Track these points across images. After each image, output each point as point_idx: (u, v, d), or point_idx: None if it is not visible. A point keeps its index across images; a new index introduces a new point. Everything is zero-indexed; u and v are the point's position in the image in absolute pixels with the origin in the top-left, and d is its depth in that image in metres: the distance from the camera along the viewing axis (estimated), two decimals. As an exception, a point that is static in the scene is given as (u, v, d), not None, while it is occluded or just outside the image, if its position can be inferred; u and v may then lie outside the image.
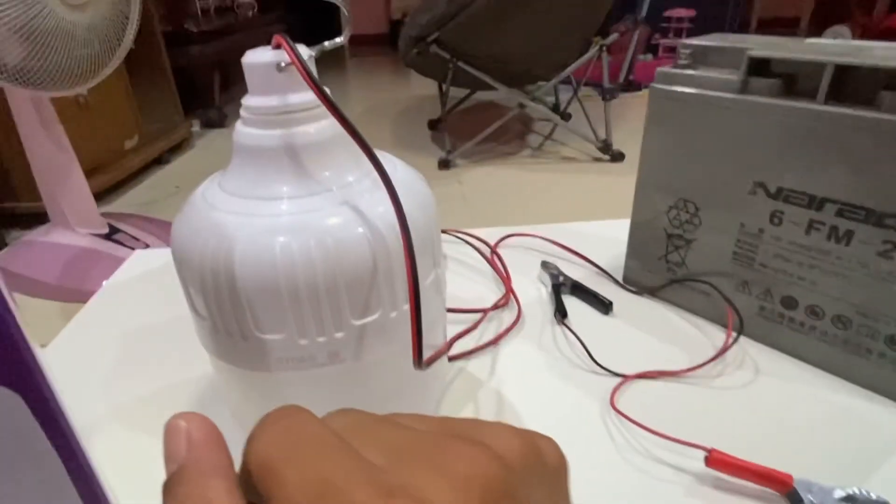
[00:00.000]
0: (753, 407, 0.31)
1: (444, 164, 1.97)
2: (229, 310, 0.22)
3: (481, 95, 2.51)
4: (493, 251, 0.48)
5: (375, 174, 0.24)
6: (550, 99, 2.41)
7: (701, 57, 0.35)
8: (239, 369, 0.24)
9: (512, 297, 0.42)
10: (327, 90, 0.23)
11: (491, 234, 0.51)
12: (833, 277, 0.31)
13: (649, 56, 3.31)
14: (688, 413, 0.31)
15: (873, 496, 0.24)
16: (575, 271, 0.45)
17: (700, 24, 3.26)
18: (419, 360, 0.22)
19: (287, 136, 0.22)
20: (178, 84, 2.45)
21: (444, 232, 0.51)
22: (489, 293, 0.43)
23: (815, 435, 0.29)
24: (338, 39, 0.23)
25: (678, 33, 3.27)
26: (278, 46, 0.21)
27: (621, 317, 0.39)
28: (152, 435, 0.31)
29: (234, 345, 0.23)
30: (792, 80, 0.31)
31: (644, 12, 1.85)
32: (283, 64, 0.21)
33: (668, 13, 3.20)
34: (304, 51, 0.22)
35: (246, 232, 0.21)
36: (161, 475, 0.11)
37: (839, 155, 0.29)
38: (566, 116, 2.30)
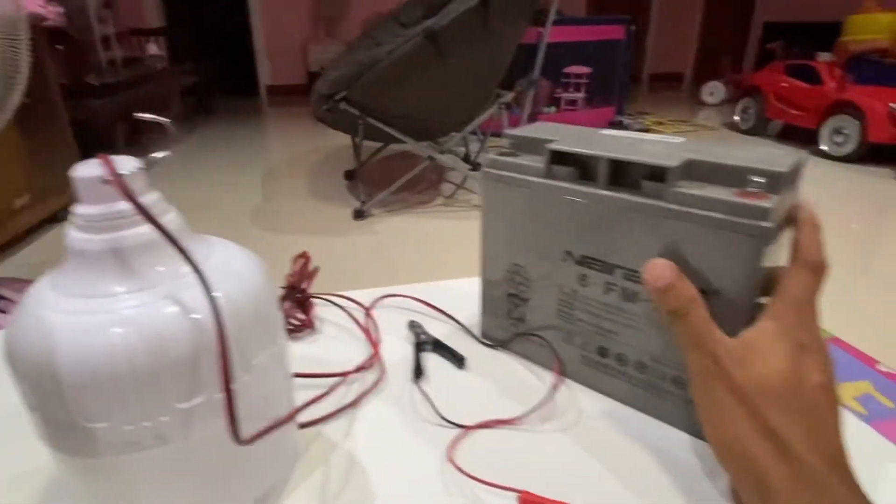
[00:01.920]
0: (573, 448, 0.35)
1: (359, 215, 2.01)
2: (55, 402, 0.23)
3: (396, 146, 2.60)
4: (368, 314, 0.51)
5: (210, 262, 0.27)
6: (461, 150, 2.54)
7: (520, 146, 0.41)
8: (70, 456, 0.25)
9: (378, 358, 0.45)
10: (154, 195, 0.26)
11: (367, 295, 0.54)
12: (630, 330, 0.37)
13: (552, 108, 3.58)
14: (514, 458, 0.35)
15: (648, 519, 0.29)
16: (440, 328, 0.49)
17: (595, 80, 3.59)
18: (237, 438, 0.25)
19: (116, 239, 0.25)
20: (79, 138, 2.34)
21: (316, 296, 0.53)
22: (360, 355, 0.46)
23: (623, 469, 0.34)
24: (164, 153, 0.27)
25: (577, 88, 3.57)
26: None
27: (474, 370, 0.43)
28: (-8, 528, 0.30)
29: (62, 434, 0.24)
30: (585, 168, 0.37)
31: (537, 73, 2.02)
32: (106, 178, 0.24)
33: (567, 70, 3.50)
34: (132, 163, 0.25)
35: (70, 330, 0.23)
36: None
37: (618, 229, 0.35)
38: (476, 166, 2.43)
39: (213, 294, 0.24)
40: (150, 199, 0.26)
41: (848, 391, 0.41)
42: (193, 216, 2.09)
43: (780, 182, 0.30)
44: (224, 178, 2.71)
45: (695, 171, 0.33)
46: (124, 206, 0.25)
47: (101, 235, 0.25)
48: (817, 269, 0.29)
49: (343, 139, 2.89)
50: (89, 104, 2.47)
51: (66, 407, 0.23)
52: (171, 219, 0.26)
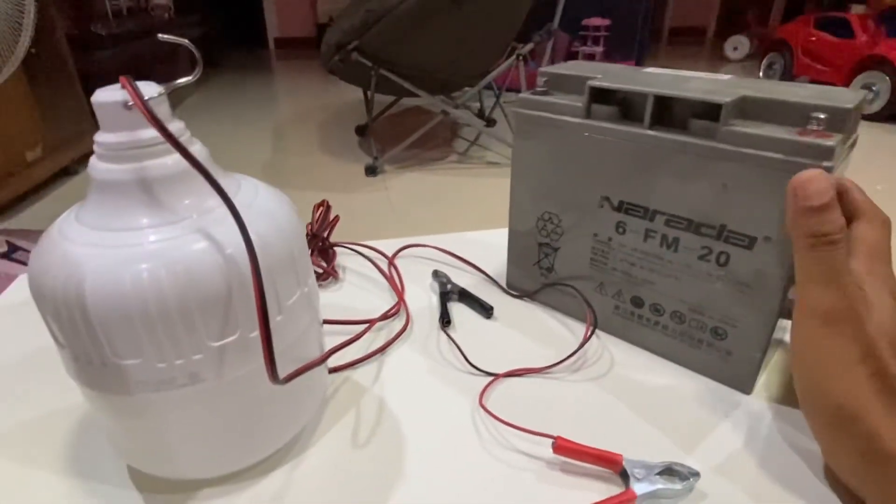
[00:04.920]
0: (604, 396, 0.35)
1: (371, 171, 1.98)
2: (85, 339, 0.23)
3: (409, 100, 2.54)
4: (391, 262, 0.50)
5: (239, 197, 0.26)
6: (475, 105, 2.48)
7: (556, 84, 0.38)
8: (102, 394, 0.25)
9: (403, 306, 0.44)
10: (179, 124, 0.25)
11: (389, 245, 0.53)
12: (668, 279, 0.35)
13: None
14: (546, 405, 0.34)
15: (686, 467, 0.28)
16: (465, 279, 0.48)
17: (615, 33, 3.45)
18: (275, 377, 0.24)
19: (140, 169, 0.23)
20: (87, 90, 2.31)
21: (341, 245, 0.52)
22: (384, 304, 0.45)
23: (654, 416, 0.33)
24: (189, 77, 0.25)
25: (596, 41, 3.44)
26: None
27: (501, 320, 0.43)
28: (28, 464, 0.30)
29: (93, 371, 0.24)
30: (627, 107, 0.35)
31: (556, 23, 1.94)
32: (129, 103, 0.22)
33: (585, 22, 3.36)
34: (154, 89, 0.24)
35: (97, 263, 0.22)
36: None
37: (663, 173, 0.33)
38: (491, 122, 2.37)
39: (248, 230, 0.23)
40: (175, 127, 0.24)
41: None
42: (205, 171, 2.07)
43: (845, 119, 0.28)
44: (232, 133, 2.68)
45: (749, 108, 0.31)
46: (149, 133, 0.23)
47: (125, 165, 0.23)
48: (886, 223, 0.28)
49: (353, 94, 2.83)
50: (98, 55, 2.43)
51: (96, 343, 0.23)
52: (197, 150, 0.25)
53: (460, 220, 1.68)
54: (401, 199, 1.84)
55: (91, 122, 2.29)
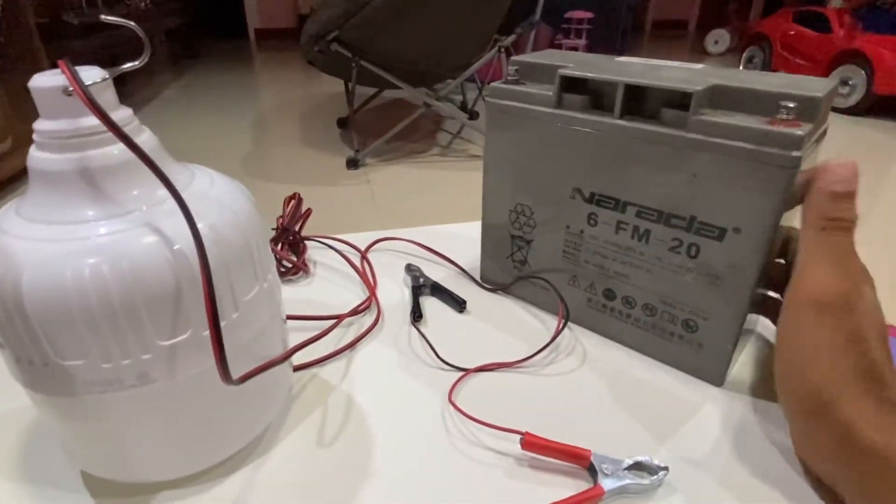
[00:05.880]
0: (574, 390, 0.34)
1: (353, 164, 1.96)
2: (24, 338, 0.21)
3: (391, 93, 2.52)
4: (363, 256, 0.49)
5: (192, 188, 0.25)
6: (458, 97, 2.46)
7: (527, 73, 0.38)
8: (46, 396, 0.23)
9: (374, 301, 0.43)
10: (125, 112, 0.23)
11: (362, 238, 0.52)
12: (640, 271, 0.35)
13: (552, 55, 3.46)
14: (517, 401, 0.33)
15: (655, 462, 0.28)
16: (438, 272, 0.47)
17: (598, 26, 3.46)
18: (227, 377, 0.23)
19: (83, 159, 0.22)
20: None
21: (312, 238, 0.51)
22: (356, 298, 0.44)
23: (624, 410, 0.33)
24: (136, 63, 0.24)
25: (578, 34, 3.44)
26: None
27: (474, 314, 0.42)
28: (-25, 469, 0.29)
29: (36, 372, 0.22)
30: (598, 97, 0.34)
31: (538, 15, 1.93)
32: (69, 89, 0.21)
33: (568, 15, 3.36)
34: (97, 73, 0.22)
35: (36, 257, 0.21)
36: None
37: (633, 163, 0.33)
38: (473, 115, 2.36)
39: (196, 222, 0.22)
40: (120, 114, 0.23)
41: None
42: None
43: (815, 108, 0.28)
44: (211, 125, 2.63)
45: (720, 97, 0.30)
46: (91, 121, 0.22)
47: (66, 154, 0.22)
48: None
49: (335, 86, 2.80)
50: (68, 45, 2.36)
51: (36, 343, 0.21)
52: (145, 139, 0.24)
53: (443, 213, 1.67)
54: (383, 192, 1.83)
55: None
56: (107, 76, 0.23)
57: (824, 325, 0.26)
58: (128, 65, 0.24)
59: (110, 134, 0.22)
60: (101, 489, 0.28)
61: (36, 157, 0.22)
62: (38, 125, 0.22)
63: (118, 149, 0.23)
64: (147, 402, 0.24)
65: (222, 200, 0.25)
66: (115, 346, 0.22)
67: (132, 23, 0.23)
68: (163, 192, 0.24)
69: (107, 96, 0.23)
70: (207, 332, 0.24)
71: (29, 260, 0.21)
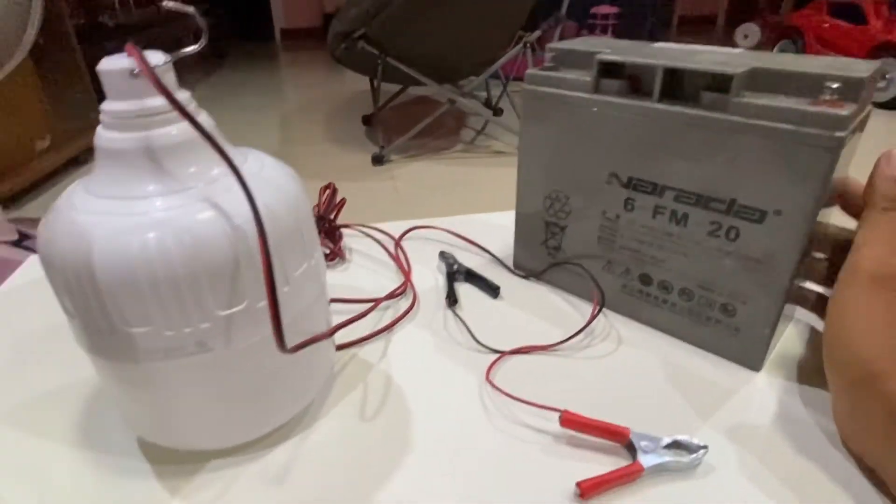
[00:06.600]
0: (611, 372, 0.35)
1: (378, 160, 1.98)
2: (94, 306, 0.23)
3: (414, 90, 2.53)
4: (397, 244, 0.50)
5: (245, 168, 0.26)
6: (482, 94, 2.47)
7: (563, 60, 0.38)
8: (111, 362, 0.25)
9: (409, 286, 0.44)
10: (185, 93, 0.25)
11: (396, 227, 0.53)
12: (677, 255, 0.35)
13: (577, 52, 3.43)
14: (553, 382, 0.34)
15: (694, 441, 0.28)
16: (471, 259, 0.47)
17: (624, 21, 3.41)
18: (282, 346, 0.24)
19: (146, 138, 0.23)
20: (95, 81, 2.32)
21: (348, 226, 0.52)
22: (391, 284, 0.45)
23: (661, 392, 0.33)
24: (195, 46, 0.25)
25: (604, 30, 3.41)
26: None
27: (508, 299, 0.42)
28: (42, 437, 0.31)
29: (102, 339, 0.24)
30: (636, 82, 0.34)
31: (564, 10, 1.92)
32: (135, 70, 0.22)
33: (594, 10, 3.33)
34: (161, 57, 0.24)
35: (104, 231, 0.22)
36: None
37: (672, 147, 0.33)
38: (497, 111, 2.36)
39: (255, 200, 0.23)
40: (181, 96, 0.24)
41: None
42: (212, 160, 2.08)
43: (859, 89, 0.27)
44: (239, 123, 2.68)
45: (760, 80, 0.30)
46: (156, 101, 0.23)
47: (132, 133, 0.23)
48: None
49: (360, 84, 2.82)
50: (105, 46, 2.43)
51: (104, 311, 0.23)
52: (204, 119, 0.25)
53: (467, 209, 1.68)
54: (407, 188, 1.84)
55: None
56: (169, 59, 0.24)
57: (880, 297, 0.26)
58: (187, 48, 0.25)
59: (172, 114, 0.24)
60: (157, 456, 0.29)
61: (103, 135, 0.24)
62: (106, 106, 0.23)
63: (177, 128, 0.24)
64: (203, 371, 0.25)
65: (274, 181, 0.26)
66: (177, 314, 0.23)
67: (191, 8, 0.25)
68: (217, 170, 0.25)
69: (169, 78, 0.24)
70: (261, 304, 0.25)
71: (98, 233, 0.22)
